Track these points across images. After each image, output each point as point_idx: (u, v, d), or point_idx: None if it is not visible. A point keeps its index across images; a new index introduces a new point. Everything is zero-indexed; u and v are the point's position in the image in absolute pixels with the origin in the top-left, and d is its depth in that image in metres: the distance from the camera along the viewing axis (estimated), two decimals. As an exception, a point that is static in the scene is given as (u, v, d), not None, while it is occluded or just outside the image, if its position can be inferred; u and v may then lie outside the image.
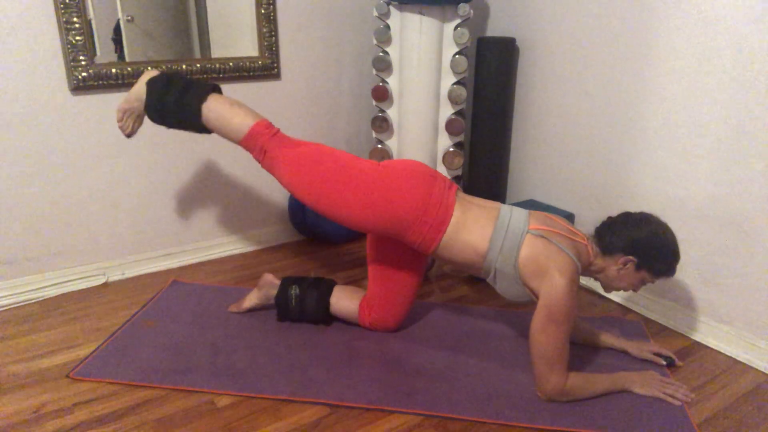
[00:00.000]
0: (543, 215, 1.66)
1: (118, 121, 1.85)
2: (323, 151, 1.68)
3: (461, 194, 1.72)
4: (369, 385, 1.66)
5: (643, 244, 1.56)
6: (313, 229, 2.64)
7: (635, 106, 2.07)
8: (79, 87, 2.06)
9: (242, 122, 1.72)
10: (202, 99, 1.74)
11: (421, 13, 2.25)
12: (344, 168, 1.64)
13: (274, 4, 2.38)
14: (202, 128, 1.79)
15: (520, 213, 1.65)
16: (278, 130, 1.75)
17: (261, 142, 1.71)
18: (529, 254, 1.56)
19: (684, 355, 1.87)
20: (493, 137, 2.55)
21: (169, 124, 1.81)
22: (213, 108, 1.74)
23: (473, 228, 1.61)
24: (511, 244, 1.58)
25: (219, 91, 1.82)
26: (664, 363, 1.78)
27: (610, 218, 1.66)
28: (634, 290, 1.66)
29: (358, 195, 1.61)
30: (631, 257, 1.58)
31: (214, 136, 2.40)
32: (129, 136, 1.88)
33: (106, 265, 2.30)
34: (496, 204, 1.69)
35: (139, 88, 1.80)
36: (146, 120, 2.22)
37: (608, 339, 1.86)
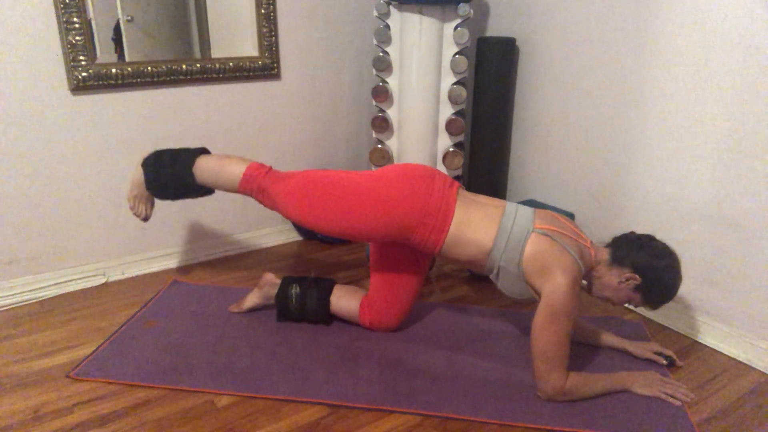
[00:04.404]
0: (549, 214, 1.66)
1: (131, 209, 1.95)
2: (317, 176, 1.72)
3: (464, 192, 1.72)
4: (369, 385, 1.66)
5: (654, 273, 1.57)
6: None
7: (635, 106, 2.07)
8: (79, 87, 2.06)
9: (234, 171, 1.80)
10: (192, 162, 1.84)
11: (421, 13, 2.25)
12: (340, 185, 1.67)
13: (274, 4, 2.38)
14: (204, 189, 1.89)
15: (526, 211, 1.65)
16: (270, 168, 1.81)
17: (257, 183, 1.77)
18: (533, 253, 1.56)
19: (684, 355, 1.87)
20: (493, 137, 2.55)
21: (173, 195, 1.92)
22: (203, 167, 1.83)
23: (478, 226, 1.61)
24: (516, 241, 1.58)
25: (207, 152, 1.90)
26: (665, 363, 1.78)
27: (633, 233, 1.68)
28: (615, 304, 1.67)
29: (357, 208, 1.63)
30: (637, 277, 1.58)
31: (211, 141, 2.40)
32: (146, 219, 1.98)
33: (106, 265, 2.30)
34: (502, 202, 1.70)
35: (137, 172, 1.90)
36: (143, 122, 2.23)
37: (609, 338, 1.86)
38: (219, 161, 1.83)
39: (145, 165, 1.88)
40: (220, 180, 1.82)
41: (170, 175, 1.85)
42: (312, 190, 1.68)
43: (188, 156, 1.86)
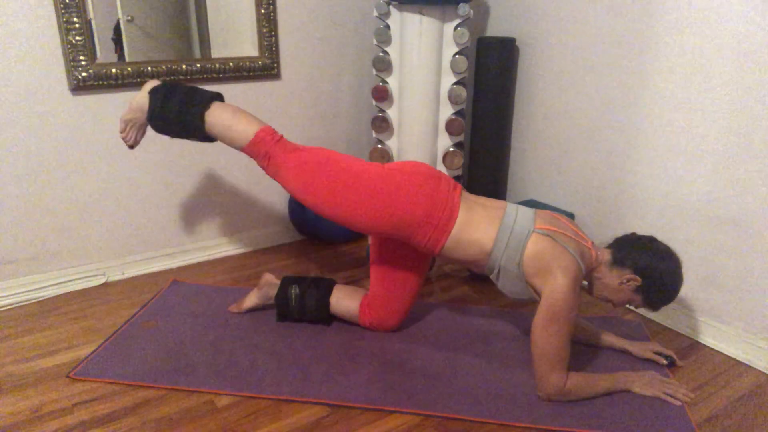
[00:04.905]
0: (549, 215, 1.66)
1: (120, 132, 1.83)
2: (327, 155, 1.68)
3: (466, 194, 1.72)
4: (369, 385, 1.66)
5: (656, 274, 1.58)
6: (313, 229, 2.64)
7: (635, 106, 2.07)
8: (79, 87, 2.06)
9: (246, 129, 1.71)
10: (205, 107, 1.73)
11: (421, 13, 2.25)
12: (348, 171, 1.64)
13: (274, 4, 2.38)
14: (206, 136, 1.78)
15: (527, 212, 1.65)
16: (282, 137, 1.74)
17: (265, 148, 1.70)
18: (533, 253, 1.56)
19: (684, 355, 1.87)
20: (493, 137, 2.55)
21: (173, 133, 1.80)
22: (216, 115, 1.73)
23: (479, 227, 1.61)
24: (517, 242, 1.58)
25: (221, 99, 1.81)
26: (665, 363, 1.78)
27: (635, 234, 1.68)
28: (616, 305, 1.67)
29: (363, 198, 1.62)
30: (638, 278, 1.59)
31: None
32: (132, 146, 1.86)
33: (106, 265, 2.30)
34: (502, 203, 1.70)
35: (142, 98, 1.78)
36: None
37: (609, 339, 1.86)
38: (233, 115, 1.73)
39: (155, 94, 1.76)
40: (228, 134, 1.73)
41: (178, 114, 1.73)
42: (319, 171, 1.65)
43: (202, 99, 1.75)
